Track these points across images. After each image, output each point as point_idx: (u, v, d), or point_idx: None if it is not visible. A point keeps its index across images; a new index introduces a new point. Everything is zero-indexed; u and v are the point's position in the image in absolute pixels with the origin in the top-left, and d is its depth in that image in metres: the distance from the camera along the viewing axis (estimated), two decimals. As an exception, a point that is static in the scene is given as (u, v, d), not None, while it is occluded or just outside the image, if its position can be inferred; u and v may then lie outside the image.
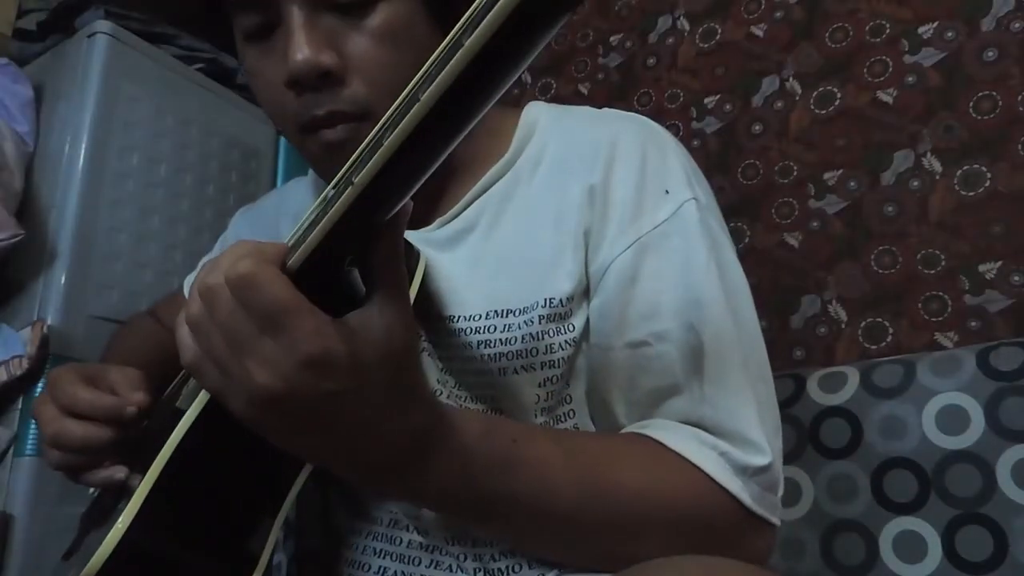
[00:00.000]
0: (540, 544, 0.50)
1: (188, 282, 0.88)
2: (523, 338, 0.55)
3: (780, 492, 0.53)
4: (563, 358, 0.56)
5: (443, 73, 0.27)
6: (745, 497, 0.50)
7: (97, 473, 0.52)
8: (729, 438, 0.51)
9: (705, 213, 0.57)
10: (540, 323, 0.55)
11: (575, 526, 0.47)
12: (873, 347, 1.16)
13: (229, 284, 0.35)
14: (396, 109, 0.30)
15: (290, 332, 0.34)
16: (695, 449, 0.50)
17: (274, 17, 0.53)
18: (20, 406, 1.06)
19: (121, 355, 0.82)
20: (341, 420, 0.37)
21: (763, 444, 0.51)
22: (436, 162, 0.32)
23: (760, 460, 0.50)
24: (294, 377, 0.34)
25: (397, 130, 0.29)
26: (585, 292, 0.57)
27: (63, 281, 1.11)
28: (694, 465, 0.49)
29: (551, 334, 0.55)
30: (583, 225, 0.57)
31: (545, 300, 0.55)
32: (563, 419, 0.57)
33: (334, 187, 0.34)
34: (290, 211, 0.76)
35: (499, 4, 0.24)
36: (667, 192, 0.57)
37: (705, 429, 0.52)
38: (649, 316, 0.54)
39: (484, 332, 0.56)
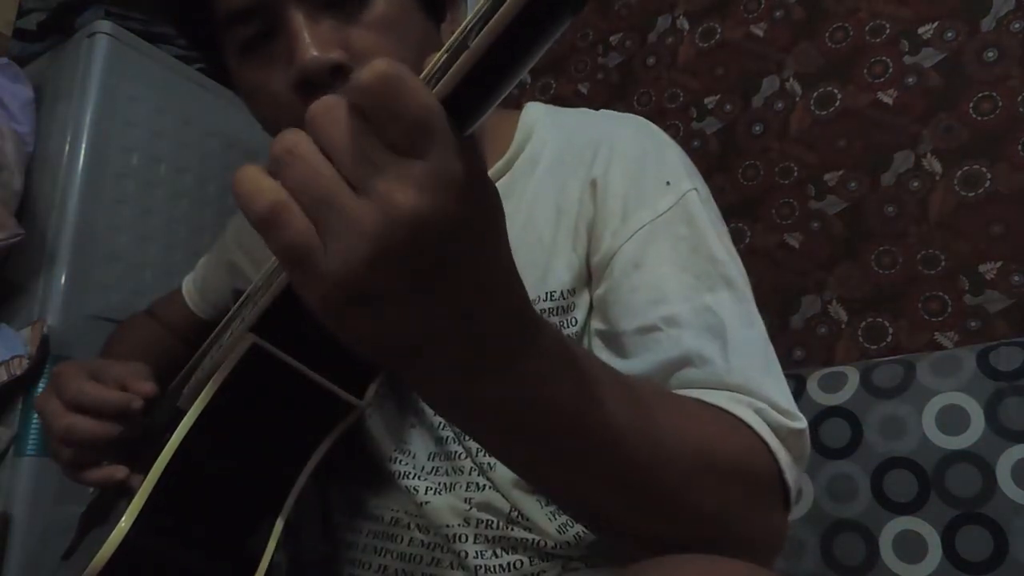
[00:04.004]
0: (593, 483, 0.41)
1: (187, 281, 0.88)
2: None
3: (804, 467, 0.50)
4: None
5: (448, 75, 0.27)
6: (783, 456, 0.46)
7: (98, 472, 0.52)
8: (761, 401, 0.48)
9: (706, 204, 0.58)
10: (543, 317, 0.55)
11: (634, 464, 0.40)
12: (873, 347, 1.16)
13: (366, 89, 0.27)
14: None
15: (441, 146, 0.27)
16: (733, 404, 0.47)
17: (272, 24, 0.53)
18: (20, 406, 1.06)
19: (119, 355, 0.82)
20: (472, 270, 0.30)
21: (795, 411, 0.49)
22: None
23: (795, 423, 0.48)
24: (447, 197, 0.27)
25: None
26: (586, 284, 0.57)
27: (63, 281, 1.11)
28: (736, 417, 0.46)
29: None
30: (584, 218, 0.57)
31: (547, 294, 0.56)
32: None
33: None
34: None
35: (505, 5, 0.24)
36: (668, 184, 0.57)
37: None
38: (657, 301, 0.53)
39: None
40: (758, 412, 0.47)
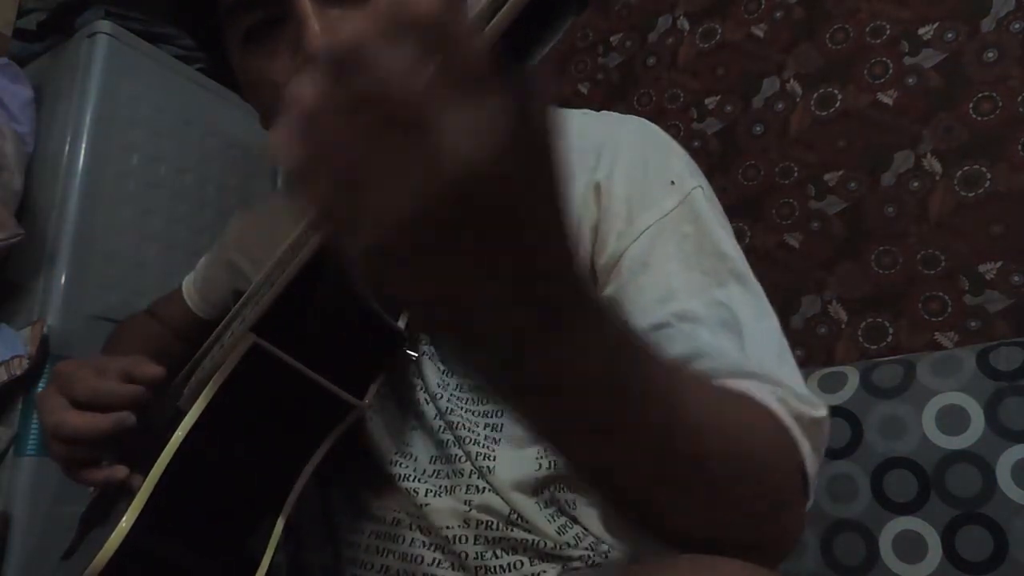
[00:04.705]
0: (634, 465, 0.39)
1: (187, 282, 0.88)
2: None
3: (822, 457, 0.47)
4: None
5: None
6: (804, 446, 0.44)
7: (98, 472, 0.52)
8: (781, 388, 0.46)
9: (711, 202, 0.58)
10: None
11: (677, 448, 0.38)
12: (873, 347, 1.16)
13: (425, 21, 0.24)
14: None
15: (500, 89, 0.25)
16: (756, 389, 0.44)
17: (278, 12, 0.53)
18: (20, 406, 1.06)
19: (119, 354, 0.82)
20: (533, 224, 0.28)
21: (815, 399, 0.46)
22: None
23: (816, 411, 0.46)
24: (512, 143, 0.24)
25: None
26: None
27: (63, 281, 1.11)
28: (763, 405, 0.44)
29: None
30: (588, 221, 0.57)
31: None
32: None
33: None
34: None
35: (506, 6, 0.24)
36: (672, 183, 0.57)
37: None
38: (665, 299, 0.52)
39: None
40: (780, 400, 0.45)
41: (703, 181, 0.59)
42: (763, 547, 0.39)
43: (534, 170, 0.26)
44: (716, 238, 0.55)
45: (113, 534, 0.42)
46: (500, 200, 0.26)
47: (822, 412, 0.46)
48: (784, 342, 0.52)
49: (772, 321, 0.53)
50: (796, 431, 0.44)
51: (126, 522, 0.42)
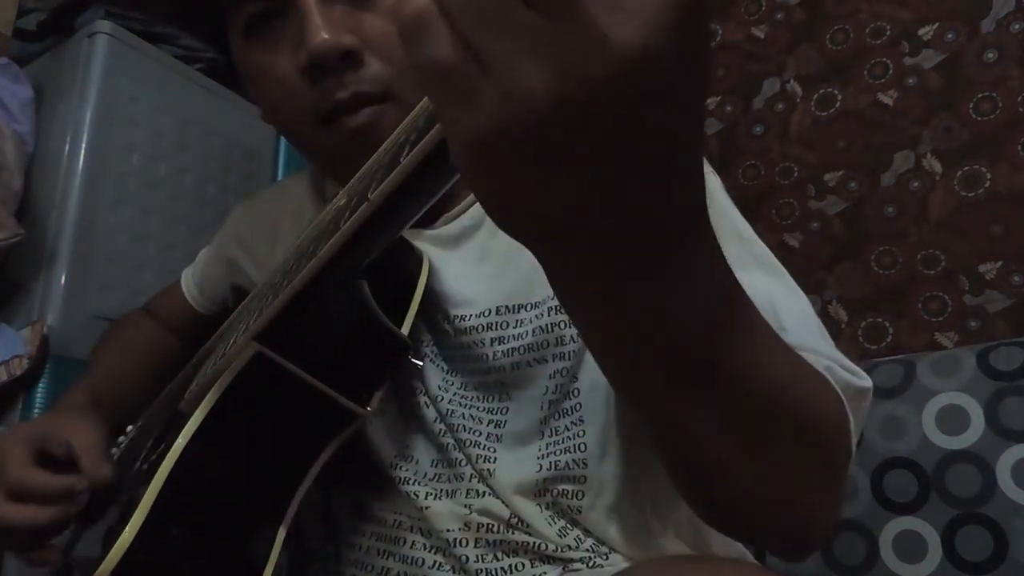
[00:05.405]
0: (709, 418, 0.35)
1: (187, 275, 0.87)
2: (534, 331, 0.55)
3: (860, 431, 0.45)
4: (574, 351, 0.56)
5: None
6: (850, 420, 0.42)
7: (34, 555, 0.54)
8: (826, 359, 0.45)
9: (725, 193, 0.57)
10: (550, 315, 0.55)
11: (756, 407, 0.35)
12: (873, 347, 1.17)
13: None
14: (414, 121, 0.30)
15: None
16: (808, 356, 0.41)
17: (279, 5, 0.53)
18: (20, 406, 1.06)
19: (115, 353, 0.81)
20: (671, 135, 0.24)
21: (859, 370, 0.45)
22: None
23: (862, 381, 0.44)
24: (663, 33, 0.21)
25: (417, 148, 0.29)
26: None
27: (63, 281, 1.11)
28: (819, 371, 0.42)
29: (562, 326, 0.56)
30: None
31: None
32: (568, 412, 0.57)
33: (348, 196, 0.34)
34: (289, 208, 0.76)
35: None
36: None
37: None
38: None
39: (497, 328, 0.56)
40: (827, 370, 0.43)
41: (712, 171, 0.60)
42: (808, 527, 0.38)
43: (693, 60, 0.22)
44: (736, 223, 0.55)
45: (116, 544, 0.41)
46: (658, 92, 0.22)
47: (867, 383, 0.45)
48: (818, 319, 0.51)
49: (804, 300, 0.52)
50: (845, 403, 0.43)
51: (129, 532, 0.41)
